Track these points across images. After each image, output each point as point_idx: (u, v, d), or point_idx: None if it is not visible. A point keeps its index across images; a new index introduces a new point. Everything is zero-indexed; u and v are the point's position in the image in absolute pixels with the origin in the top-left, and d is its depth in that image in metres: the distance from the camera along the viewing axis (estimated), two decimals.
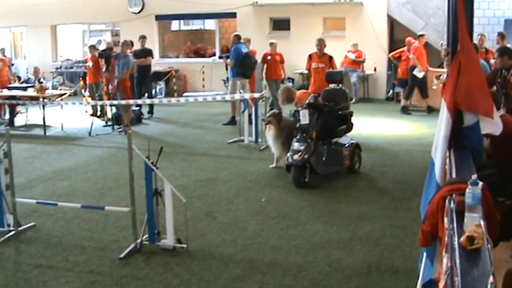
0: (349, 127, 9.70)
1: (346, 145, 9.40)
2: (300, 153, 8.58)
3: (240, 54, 14.02)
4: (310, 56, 13.36)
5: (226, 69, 15.22)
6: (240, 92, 12.92)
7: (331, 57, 13.03)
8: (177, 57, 22.59)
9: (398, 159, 10.44)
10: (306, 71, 14.31)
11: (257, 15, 20.24)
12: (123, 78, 13.58)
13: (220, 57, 15.73)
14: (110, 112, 14.49)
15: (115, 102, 13.35)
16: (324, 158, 9.13)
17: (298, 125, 9.01)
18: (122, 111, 13.70)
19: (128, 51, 15.68)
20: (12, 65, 20.34)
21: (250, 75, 14.42)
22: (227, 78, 15.23)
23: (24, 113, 15.59)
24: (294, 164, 8.64)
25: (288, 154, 8.77)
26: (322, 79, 11.09)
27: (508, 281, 3.33)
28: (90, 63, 15.43)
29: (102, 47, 17.10)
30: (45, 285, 5.44)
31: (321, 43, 13.19)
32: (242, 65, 14.04)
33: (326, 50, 12.95)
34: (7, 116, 15.24)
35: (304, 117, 8.83)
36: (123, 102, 13.40)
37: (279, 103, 11.39)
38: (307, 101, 9.22)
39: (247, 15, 20.27)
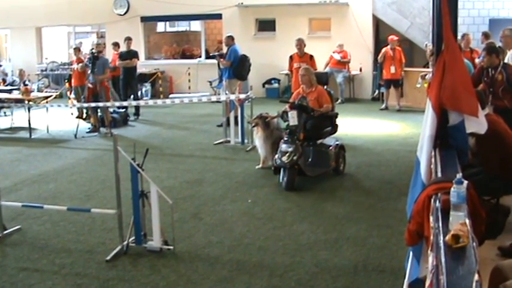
0: (334, 129, 9.68)
1: (332, 146, 9.30)
2: (288, 155, 8.47)
3: (237, 56, 13.98)
4: (291, 57, 13.45)
5: (219, 67, 15.16)
6: (226, 94, 12.89)
7: (311, 57, 13.10)
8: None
9: (385, 159, 10.46)
10: (290, 73, 14.34)
11: (243, 16, 20.23)
12: (105, 78, 13.67)
13: (213, 56, 15.62)
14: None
15: (101, 104, 13.29)
16: (310, 160, 9.11)
17: (285, 125, 8.97)
18: (104, 113, 13.72)
19: (115, 52, 15.70)
20: (0, 66, 20.23)
21: (246, 77, 14.39)
22: (220, 78, 15.18)
23: (9, 115, 15.48)
24: (284, 166, 8.53)
25: (276, 156, 8.67)
26: None
27: (495, 277, 3.35)
28: (75, 66, 15.34)
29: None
30: None
31: (300, 43, 13.24)
32: (239, 67, 13.97)
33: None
34: None
35: (293, 119, 8.72)
36: (109, 104, 13.38)
37: None
38: (297, 102, 9.11)
39: (233, 16, 20.25)
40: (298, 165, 8.58)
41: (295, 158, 8.47)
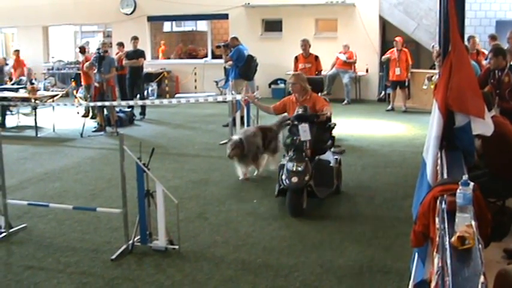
0: (333, 141, 8.51)
1: (332, 162, 8.21)
2: (299, 175, 7.35)
3: (243, 56, 13.96)
4: (296, 57, 13.45)
5: (225, 67, 15.17)
6: (232, 94, 12.89)
7: (317, 57, 13.10)
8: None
9: (390, 160, 10.45)
10: None
11: (249, 16, 20.24)
12: (111, 77, 13.69)
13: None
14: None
15: (107, 103, 13.31)
16: (317, 179, 7.80)
17: (289, 140, 7.84)
18: (110, 112, 13.75)
19: (120, 52, 15.72)
20: (7, 64, 20.25)
21: (252, 78, 14.39)
22: (226, 78, 15.19)
23: (16, 114, 15.52)
24: (294, 188, 7.37)
25: (283, 177, 7.48)
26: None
27: (500, 282, 3.34)
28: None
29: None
30: (36, 287, 5.42)
31: (305, 43, 13.24)
32: (245, 67, 13.96)
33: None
34: None
35: (305, 132, 7.60)
36: (115, 103, 13.39)
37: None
38: (297, 113, 7.92)
39: (239, 17, 20.26)
40: (311, 186, 7.55)
41: (307, 178, 7.41)
